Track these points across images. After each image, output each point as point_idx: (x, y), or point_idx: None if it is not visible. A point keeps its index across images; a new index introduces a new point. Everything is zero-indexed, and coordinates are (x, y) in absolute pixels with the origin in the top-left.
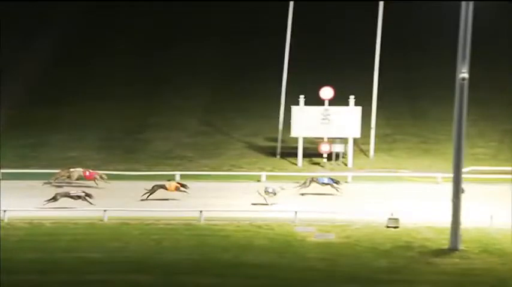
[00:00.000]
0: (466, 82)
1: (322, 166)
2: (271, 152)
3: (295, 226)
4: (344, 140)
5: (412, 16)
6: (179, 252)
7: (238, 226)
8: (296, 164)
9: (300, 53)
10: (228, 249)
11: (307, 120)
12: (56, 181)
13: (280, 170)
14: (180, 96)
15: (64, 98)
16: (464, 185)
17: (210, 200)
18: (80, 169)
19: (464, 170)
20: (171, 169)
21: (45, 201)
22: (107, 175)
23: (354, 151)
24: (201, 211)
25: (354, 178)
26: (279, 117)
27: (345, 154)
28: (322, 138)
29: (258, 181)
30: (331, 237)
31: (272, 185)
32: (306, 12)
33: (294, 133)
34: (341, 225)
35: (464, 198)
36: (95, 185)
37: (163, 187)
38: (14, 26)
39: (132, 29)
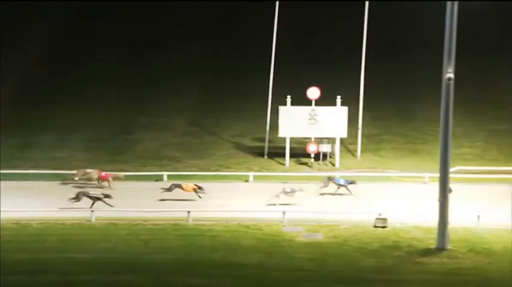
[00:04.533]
0: (452, 82)
1: (309, 166)
2: (258, 152)
3: (284, 226)
4: (331, 140)
5: (399, 17)
6: (167, 252)
7: (226, 226)
8: (284, 164)
9: (289, 54)
10: (217, 249)
11: (294, 121)
12: (74, 181)
13: (268, 170)
14: (169, 97)
15: (52, 99)
16: (451, 185)
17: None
18: (96, 170)
19: (451, 169)
20: (159, 170)
21: (69, 200)
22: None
23: (342, 151)
24: (188, 212)
25: (341, 177)
26: (266, 118)
27: (332, 154)
28: (310, 139)
29: (281, 181)
30: (319, 237)
31: (290, 186)
32: (293, 13)
33: (281, 133)
34: (329, 225)
35: (451, 198)
36: (106, 186)
37: (179, 186)
38: (4, 27)
39: (121, 30)
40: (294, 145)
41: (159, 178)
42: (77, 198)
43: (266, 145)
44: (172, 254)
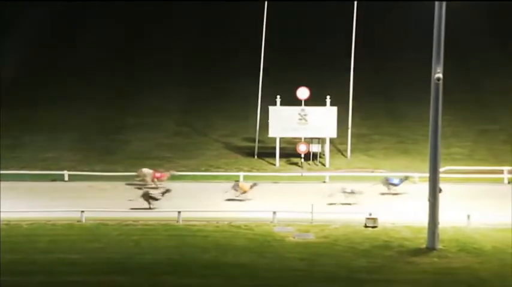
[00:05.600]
0: (441, 82)
1: (300, 166)
2: (249, 153)
3: (274, 226)
4: (321, 140)
5: (388, 17)
6: (159, 253)
7: (217, 227)
8: (274, 164)
9: (278, 53)
10: (208, 249)
11: (284, 121)
12: (138, 182)
13: (258, 170)
14: (158, 97)
15: (41, 100)
16: (441, 185)
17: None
18: (151, 171)
19: (440, 169)
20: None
21: (148, 206)
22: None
23: (332, 151)
24: (179, 212)
25: (331, 177)
26: (256, 118)
27: (322, 154)
28: (300, 139)
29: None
30: (310, 237)
31: (350, 186)
32: (283, 13)
33: (271, 133)
34: (320, 225)
35: (441, 197)
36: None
37: (237, 185)
38: None
39: (108, 29)
40: (284, 145)
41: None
42: (147, 201)
43: (256, 145)
44: (163, 254)
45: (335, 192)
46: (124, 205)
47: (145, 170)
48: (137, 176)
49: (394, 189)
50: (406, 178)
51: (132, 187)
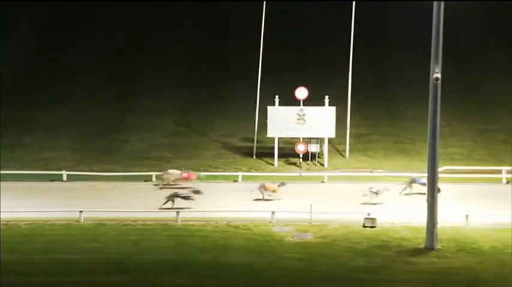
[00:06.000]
0: (439, 82)
1: (298, 166)
2: (247, 153)
3: (273, 226)
4: (319, 140)
5: (388, 17)
6: (157, 253)
7: (215, 227)
8: (273, 164)
9: (277, 54)
10: (206, 249)
11: (282, 121)
12: (166, 183)
13: (257, 170)
14: (158, 97)
15: (40, 100)
16: (439, 185)
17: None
18: (178, 171)
19: (439, 169)
20: (147, 170)
21: (162, 205)
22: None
23: (330, 151)
24: (178, 212)
25: (329, 177)
26: (255, 118)
27: (320, 154)
28: (298, 139)
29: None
30: (309, 237)
31: (376, 185)
32: (281, 13)
33: (270, 133)
34: (318, 225)
35: (439, 197)
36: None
37: (263, 186)
38: None
39: (107, 29)
40: (282, 145)
41: (148, 178)
42: (171, 201)
43: (255, 145)
44: (162, 254)
45: (366, 192)
46: (123, 205)
47: (172, 171)
48: (163, 175)
49: (423, 189)
50: None
51: (155, 187)
